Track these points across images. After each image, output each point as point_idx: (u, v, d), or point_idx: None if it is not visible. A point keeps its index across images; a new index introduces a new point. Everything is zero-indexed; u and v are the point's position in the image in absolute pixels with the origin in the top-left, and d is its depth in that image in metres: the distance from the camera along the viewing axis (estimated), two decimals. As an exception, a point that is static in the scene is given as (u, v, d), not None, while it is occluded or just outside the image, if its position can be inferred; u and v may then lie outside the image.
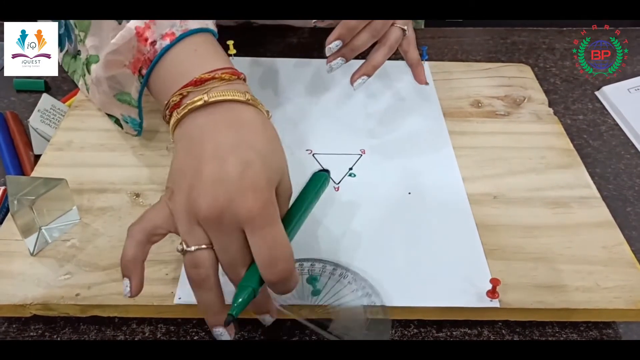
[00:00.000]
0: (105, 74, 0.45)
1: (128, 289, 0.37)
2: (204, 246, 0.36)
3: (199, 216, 0.35)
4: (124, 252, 0.37)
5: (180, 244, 0.37)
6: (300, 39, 0.77)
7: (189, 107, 0.38)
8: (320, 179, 0.46)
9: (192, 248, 0.36)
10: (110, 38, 0.43)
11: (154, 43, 0.42)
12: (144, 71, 0.43)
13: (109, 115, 0.52)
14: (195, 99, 0.38)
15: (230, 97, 0.38)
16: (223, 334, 0.38)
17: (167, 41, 0.41)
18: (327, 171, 0.47)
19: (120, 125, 0.52)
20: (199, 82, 0.39)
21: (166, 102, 0.40)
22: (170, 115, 0.40)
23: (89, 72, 0.47)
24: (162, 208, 0.38)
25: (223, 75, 0.40)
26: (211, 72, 0.40)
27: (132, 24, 0.42)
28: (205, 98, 0.38)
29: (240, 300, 0.35)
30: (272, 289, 0.37)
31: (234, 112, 0.38)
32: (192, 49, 0.42)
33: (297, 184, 0.43)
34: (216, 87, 0.39)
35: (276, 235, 0.35)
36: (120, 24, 0.43)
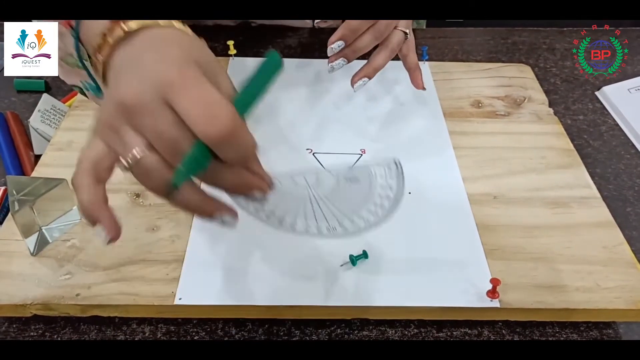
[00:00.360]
0: None
1: (103, 233, 0.35)
2: (147, 151, 0.33)
3: (122, 112, 0.33)
4: (79, 202, 0.35)
5: (122, 162, 0.34)
6: (300, 39, 0.77)
7: (111, 43, 0.36)
8: (271, 59, 0.36)
9: (136, 154, 0.33)
10: None
11: None
12: (74, 23, 0.41)
13: (76, 87, 0.50)
14: (115, 32, 0.36)
15: (151, 23, 0.37)
16: (226, 220, 0.34)
17: None
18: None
19: (86, 95, 0.50)
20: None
21: (91, 49, 0.38)
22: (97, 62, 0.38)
23: None
24: (93, 141, 0.35)
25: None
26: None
27: None
28: (125, 28, 0.36)
29: (184, 165, 0.32)
30: (222, 155, 0.32)
31: (156, 35, 0.36)
32: None
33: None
34: (136, 20, 0.37)
35: (205, 93, 0.31)
36: None
